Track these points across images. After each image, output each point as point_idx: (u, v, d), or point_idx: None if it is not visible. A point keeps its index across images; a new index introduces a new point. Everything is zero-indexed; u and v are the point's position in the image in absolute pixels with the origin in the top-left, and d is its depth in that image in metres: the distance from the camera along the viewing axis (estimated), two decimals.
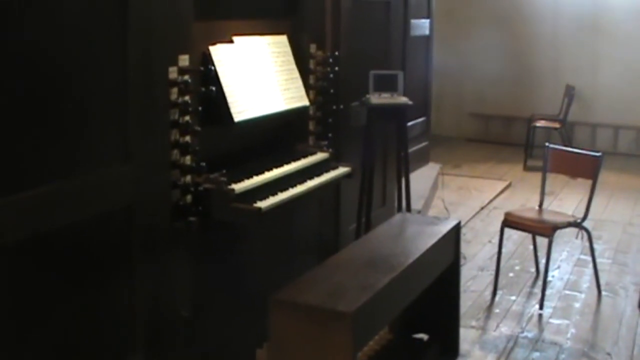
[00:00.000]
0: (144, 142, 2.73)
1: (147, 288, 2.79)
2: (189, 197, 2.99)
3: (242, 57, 3.44)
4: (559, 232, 4.75)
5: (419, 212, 5.77)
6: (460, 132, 10.03)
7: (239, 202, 3.08)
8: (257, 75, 3.52)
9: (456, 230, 3.87)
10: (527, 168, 8.37)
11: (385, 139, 5.03)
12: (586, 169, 4.80)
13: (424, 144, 7.53)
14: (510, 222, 4.80)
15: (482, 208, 6.82)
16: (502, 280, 4.95)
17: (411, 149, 5.77)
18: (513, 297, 4.79)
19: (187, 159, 2.97)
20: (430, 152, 7.79)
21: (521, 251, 5.62)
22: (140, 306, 2.76)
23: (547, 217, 4.82)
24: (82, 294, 2.52)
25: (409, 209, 4.81)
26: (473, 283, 5.01)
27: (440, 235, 3.66)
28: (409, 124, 5.42)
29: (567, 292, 4.91)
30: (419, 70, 7.29)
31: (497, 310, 4.59)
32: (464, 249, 5.08)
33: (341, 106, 4.19)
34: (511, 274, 5.19)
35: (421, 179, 6.81)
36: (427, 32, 7.44)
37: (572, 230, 5.16)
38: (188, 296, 3.05)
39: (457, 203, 6.86)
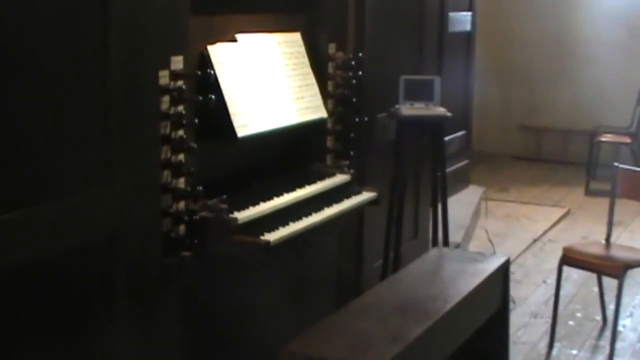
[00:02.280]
0: (129, 161, 2.74)
1: (132, 336, 2.79)
2: (182, 228, 3.00)
3: (247, 59, 3.46)
4: (630, 272, 4.71)
5: (457, 246, 5.76)
6: (508, 149, 10.02)
7: (242, 234, 3.10)
8: (265, 81, 3.54)
9: (504, 268, 3.86)
10: (589, 192, 8.35)
11: (418, 158, 5.03)
12: None
13: (464, 162, 7.53)
14: (570, 258, 4.78)
15: (535, 241, 6.80)
16: (560, 330, 4.92)
17: (449, 169, 5.77)
18: (574, 351, 4.76)
19: (181, 182, 2.99)
20: (471, 173, 7.79)
21: (584, 294, 5.59)
22: (123, 357, 2.76)
23: (615, 252, 4.79)
24: (54, 339, 2.52)
25: (446, 242, 4.81)
26: (524, 333, 4.99)
27: (484, 275, 3.66)
28: (447, 138, 5.42)
29: None
30: (459, 74, 7.31)
31: None
32: (514, 291, 5.05)
33: (365, 118, 4.20)
34: (571, 322, 5.16)
35: (461, 205, 6.81)
36: (468, 27, 7.45)
37: None
38: (180, 346, 3.05)
39: (504, 235, 6.85)
